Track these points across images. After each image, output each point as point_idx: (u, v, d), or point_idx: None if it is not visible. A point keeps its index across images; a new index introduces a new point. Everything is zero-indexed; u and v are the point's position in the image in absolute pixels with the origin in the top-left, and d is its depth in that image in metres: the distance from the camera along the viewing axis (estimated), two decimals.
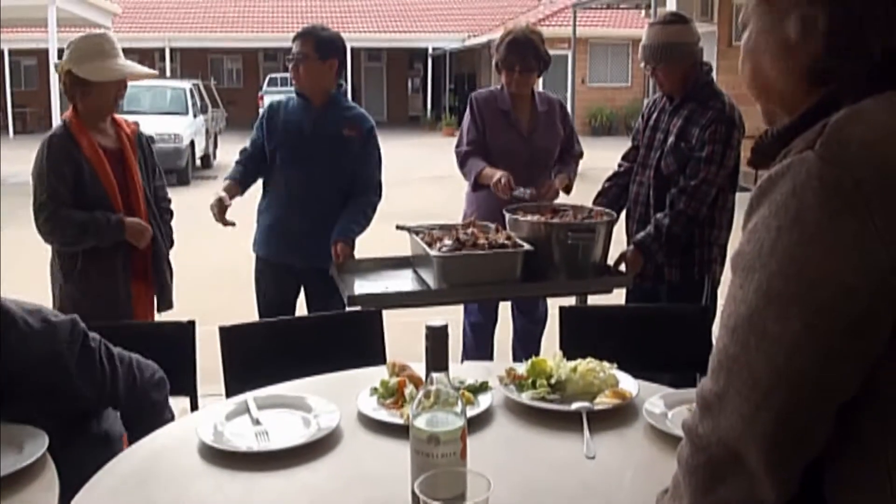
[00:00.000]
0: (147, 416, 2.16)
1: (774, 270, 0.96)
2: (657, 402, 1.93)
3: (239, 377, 2.42)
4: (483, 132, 3.72)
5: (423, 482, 1.26)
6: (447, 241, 3.00)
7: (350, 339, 2.66)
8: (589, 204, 3.40)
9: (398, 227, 3.28)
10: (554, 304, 2.89)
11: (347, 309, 2.93)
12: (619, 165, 3.54)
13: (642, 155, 3.35)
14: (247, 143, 3.68)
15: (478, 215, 3.41)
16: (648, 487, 1.26)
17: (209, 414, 1.92)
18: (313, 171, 3.47)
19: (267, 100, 3.75)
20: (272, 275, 3.58)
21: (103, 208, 3.03)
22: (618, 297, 3.45)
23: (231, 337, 2.53)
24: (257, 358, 2.55)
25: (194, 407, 2.57)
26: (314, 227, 3.42)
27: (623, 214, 3.43)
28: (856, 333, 0.94)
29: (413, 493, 1.27)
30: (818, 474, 1.04)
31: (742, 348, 0.99)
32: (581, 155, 3.99)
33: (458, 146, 3.78)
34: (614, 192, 3.48)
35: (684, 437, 1.09)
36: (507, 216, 3.19)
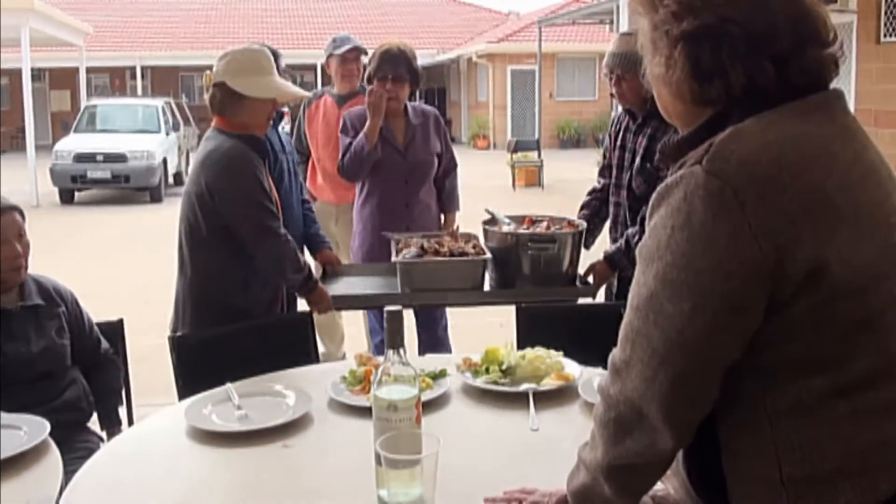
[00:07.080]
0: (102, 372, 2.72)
1: (669, 261, 1.19)
2: (595, 380, 2.15)
3: (191, 385, 2.44)
4: None
5: (383, 441, 1.48)
6: (412, 249, 3.20)
7: (288, 342, 2.82)
8: (572, 215, 3.47)
9: (383, 235, 3.46)
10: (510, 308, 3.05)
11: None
12: (598, 181, 3.58)
13: (615, 175, 3.37)
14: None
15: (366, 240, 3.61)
16: None
17: (194, 402, 2.12)
18: (292, 194, 3.56)
19: None
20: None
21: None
22: None
23: (182, 346, 2.62)
24: (208, 365, 2.59)
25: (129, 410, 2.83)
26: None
27: (606, 231, 3.50)
28: (736, 310, 1.18)
29: (375, 451, 1.49)
30: (713, 423, 1.27)
31: (643, 323, 1.22)
32: (455, 167, 3.98)
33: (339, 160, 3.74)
34: (595, 205, 3.53)
35: (599, 397, 1.33)
36: (483, 227, 3.32)
